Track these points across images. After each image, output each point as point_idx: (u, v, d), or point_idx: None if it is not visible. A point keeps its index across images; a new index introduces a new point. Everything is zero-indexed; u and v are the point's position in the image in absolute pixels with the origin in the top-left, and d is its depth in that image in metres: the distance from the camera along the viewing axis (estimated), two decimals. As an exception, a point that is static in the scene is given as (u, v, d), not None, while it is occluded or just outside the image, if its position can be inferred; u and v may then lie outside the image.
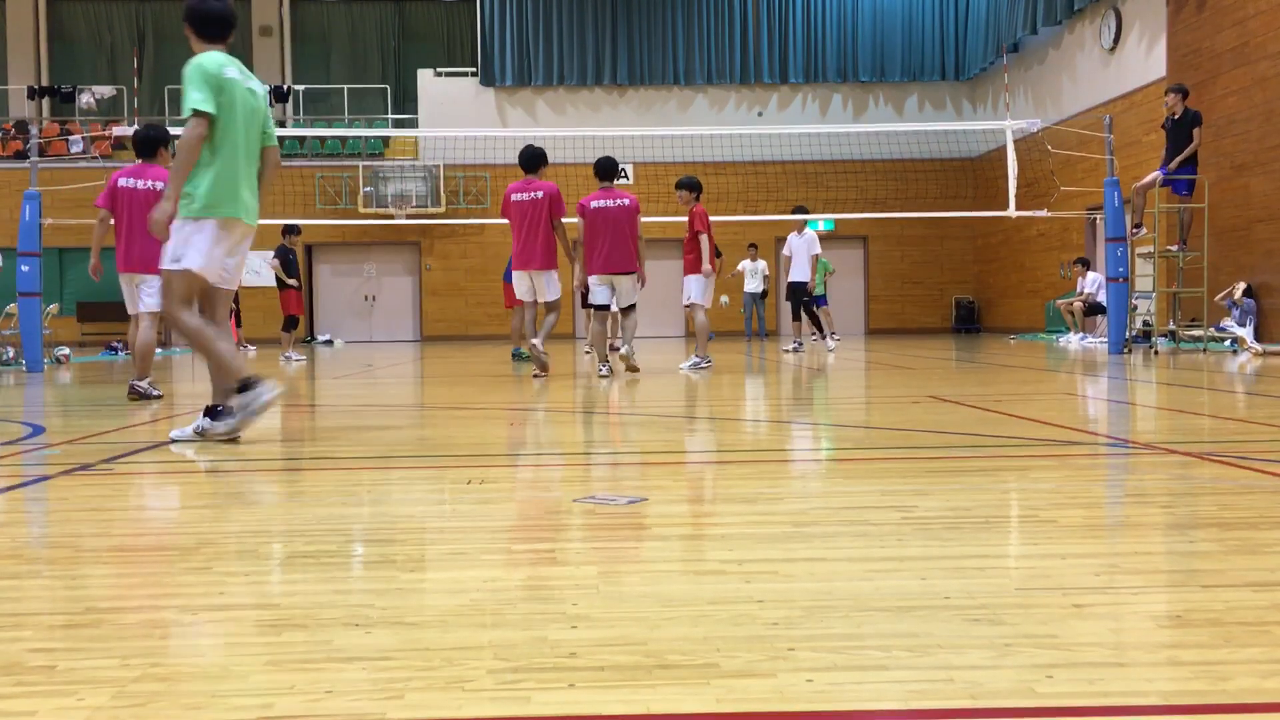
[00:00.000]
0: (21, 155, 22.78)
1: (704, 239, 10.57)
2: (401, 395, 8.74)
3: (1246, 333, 13.36)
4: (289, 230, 15.63)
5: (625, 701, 1.63)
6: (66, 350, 14.51)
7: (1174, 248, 13.41)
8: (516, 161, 9.94)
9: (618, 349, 11.27)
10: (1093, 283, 16.97)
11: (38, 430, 5.98)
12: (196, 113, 4.89)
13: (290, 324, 15.75)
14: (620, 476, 4.15)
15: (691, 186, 10.59)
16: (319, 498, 3.68)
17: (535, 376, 9.56)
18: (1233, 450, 4.35)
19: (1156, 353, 12.66)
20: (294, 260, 15.55)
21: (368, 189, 24.04)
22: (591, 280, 9.84)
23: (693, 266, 10.72)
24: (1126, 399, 7.28)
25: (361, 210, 23.84)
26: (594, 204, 9.73)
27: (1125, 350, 12.72)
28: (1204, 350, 12.95)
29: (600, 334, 10.02)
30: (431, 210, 23.88)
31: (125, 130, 16.22)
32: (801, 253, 14.63)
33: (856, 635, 1.94)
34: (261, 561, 2.68)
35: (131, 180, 7.76)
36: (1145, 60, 17.68)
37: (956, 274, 25.68)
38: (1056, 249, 20.76)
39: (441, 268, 24.85)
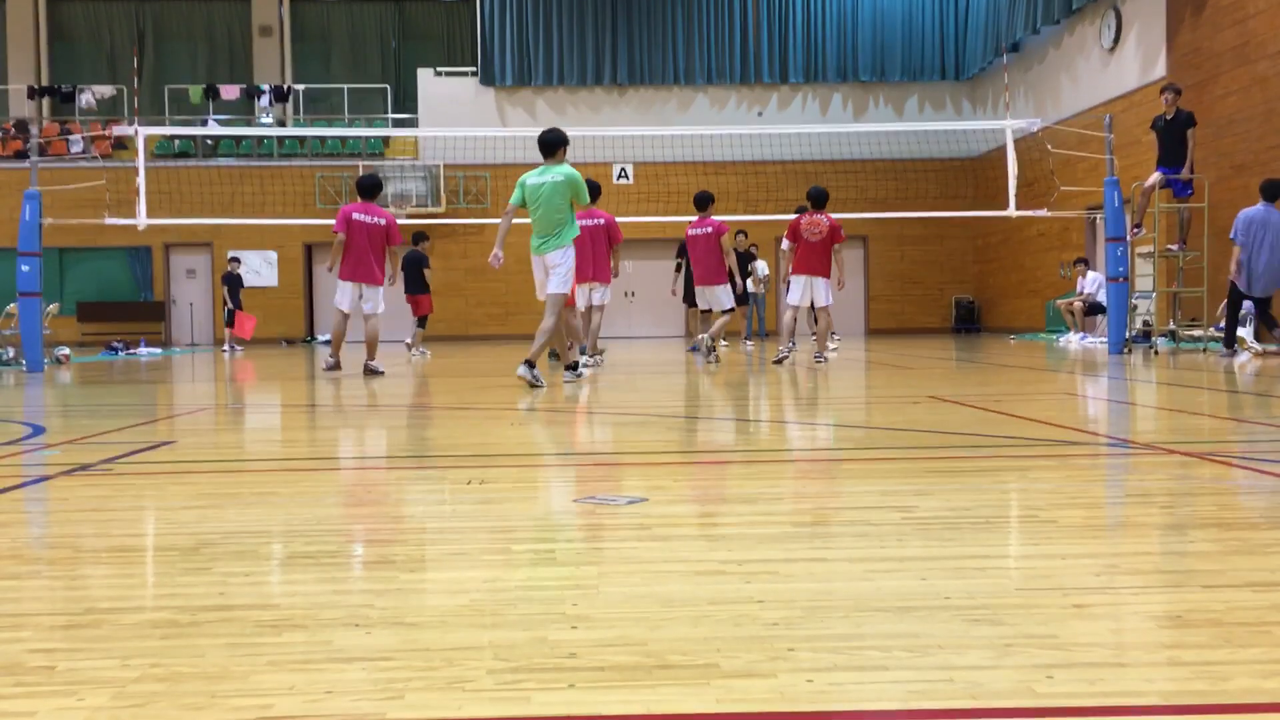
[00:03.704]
0: (21, 155, 22.77)
1: (790, 247, 11.71)
2: (402, 395, 8.73)
3: (1246, 333, 13.35)
4: (419, 238, 16.25)
5: (625, 701, 1.63)
6: (66, 350, 14.51)
7: (1174, 247, 13.40)
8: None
9: (601, 350, 13.10)
10: (1092, 282, 16.96)
11: (38, 430, 5.98)
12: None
13: (421, 323, 16.31)
14: (620, 476, 4.15)
15: (809, 198, 11.63)
16: (319, 498, 3.68)
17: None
18: (1233, 450, 4.35)
19: (1156, 352, 12.66)
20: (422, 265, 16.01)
21: (368, 188, 24.03)
22: (696, 290, 12.30)
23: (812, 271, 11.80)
24: (1126, 399, 7.28)
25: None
26: (690, 231, 12.31)
27: (1125, 350, 12.71)
28: (1204, 350, 12.95)
29: (700, 330, 12.65)
30: (431, 210, 23.86)
31: (126, 130, 16.22)
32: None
33: (856, 635, 1.94)
34: (261, 561, 2.68)
35: (361, 215, 10.73)
36: (1145, 60, 17.68)
37: (956, 274, 25.67)
38: (1056, 249, 20.75)
39: (441, 268, 24.76)
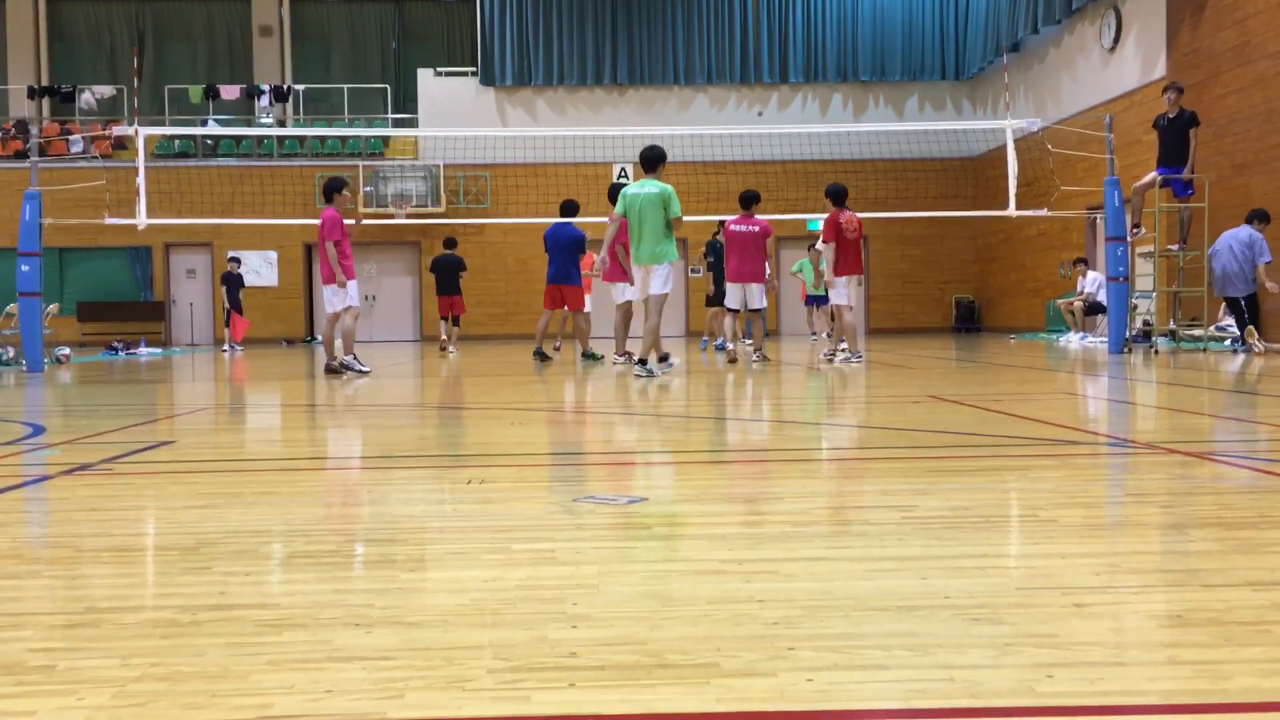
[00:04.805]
0: (21, 155, 22.76)
1: (827, 247, 11.85)
2: (402, 395, 8.74)
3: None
4: (451, 242, 16.81)
5: (625, 701, 1.63)
6: (66, 350, 14.51)
7: (1174, 247, 13.40)
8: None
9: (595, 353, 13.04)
10: (1093, 282, 16.95)
11: (38, 430, 5.98)
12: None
13: (455, 321, 16.89)
14: (620, 476, 4.15)
15: (827, 194, 11.86)
16: (319, 498, 3.68)
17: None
18: (1233, 450, 4.35)
19: (1156, 352, 12.65)
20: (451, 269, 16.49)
21: (368, 189, 24.03)
22: (728, 286, 11.97)
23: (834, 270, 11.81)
24: (1127, 399, 7.28)
25: (361, 210, 23.82)
26: (733, 228, 11.89)
27: (1125, 350, 12.71)
28: (1204, 350, 12.95)
29: (729, 329, 12.38)
30: (431, 210, 23.84)
31: (125, 130, 16.22)
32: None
33: (857, 635, 1.93)
34: (262, 561, 2.68)
35: (318, 221, 10.98)
36: (1145, 60, 17.68)
37: (956, 273, 25.67)
38: (1056, 248, 20.75)
39: (441, 267, 24.84)
